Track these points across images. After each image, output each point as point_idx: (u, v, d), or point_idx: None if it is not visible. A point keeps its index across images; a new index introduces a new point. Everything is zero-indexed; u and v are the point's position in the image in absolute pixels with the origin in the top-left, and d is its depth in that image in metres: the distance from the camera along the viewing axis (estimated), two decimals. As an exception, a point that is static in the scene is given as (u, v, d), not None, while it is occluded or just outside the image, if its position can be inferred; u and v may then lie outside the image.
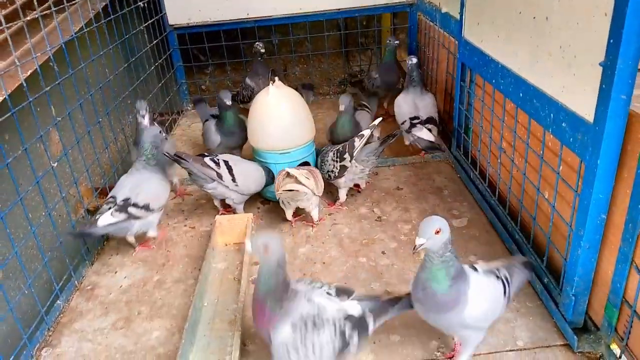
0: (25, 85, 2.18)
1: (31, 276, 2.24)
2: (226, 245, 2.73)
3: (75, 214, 2.79)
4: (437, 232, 1.64)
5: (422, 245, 1.65)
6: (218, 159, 2.80)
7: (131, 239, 2.71)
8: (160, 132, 2.80)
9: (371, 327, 1.84)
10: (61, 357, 2.12)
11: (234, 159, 2.89)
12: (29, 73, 2.25)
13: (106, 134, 3.18)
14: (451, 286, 1.69)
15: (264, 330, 1.75)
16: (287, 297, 1.73)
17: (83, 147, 2.86)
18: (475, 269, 1.80)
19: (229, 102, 3.29)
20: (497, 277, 1.81)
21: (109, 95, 3.28)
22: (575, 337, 1.93)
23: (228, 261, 2.60)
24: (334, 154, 2.88)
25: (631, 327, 1.77)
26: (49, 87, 2.37)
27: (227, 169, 2.78)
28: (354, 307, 1.81)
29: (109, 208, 2.52)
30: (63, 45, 2.53)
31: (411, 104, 3.45)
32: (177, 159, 2.70)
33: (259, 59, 4.24)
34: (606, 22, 1.58)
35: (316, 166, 3.06)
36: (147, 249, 2.77)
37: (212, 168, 2.74)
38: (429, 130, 3.34)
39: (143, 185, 2.59)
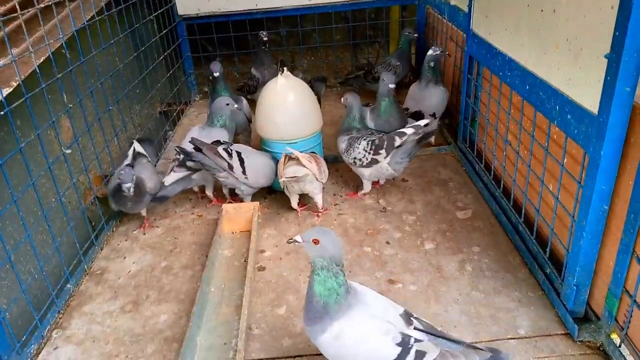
0: (38, 71, 2.22)
1: (42, 260, 2.29)
2: (233, 233, 2.77)
3: (85, 200, 2.84)
4: (315, 242, 1.60)
5: (298, 243, 1.65)
6: (231, 150, 2.81)
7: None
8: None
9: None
10: (71, 339, 2.17)
11: (247, 151, 2.91)
12: (42, 60, 2.29)
13: (115, 123, 3.22)
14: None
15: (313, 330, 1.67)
16: (348, 300, 1.63)
17: (93, 134, 2.90)
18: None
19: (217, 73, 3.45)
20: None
21: (119, 84, 3.32)
22: (576, 326, 1.96)
23: (235, 248, 2.64)
24: (368, 143, 2.77)
25: (631, 316, 1.79)
26: (61, 74, 2.41)
27: (239, 160, 2.79)
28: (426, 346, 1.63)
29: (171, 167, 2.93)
30: (75, 33, 2.57)
31: (418, 96, 3.47)
32: (188, 153, 2.74)
33: (263, 47, 4.26)
34: (613, 15, 1.59)
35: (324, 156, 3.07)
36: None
37: (224, 158, 2.75)
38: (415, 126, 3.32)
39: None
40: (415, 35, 4.15)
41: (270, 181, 2.98)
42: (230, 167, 2.77)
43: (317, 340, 1.67)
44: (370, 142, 2.76)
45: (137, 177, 2.65)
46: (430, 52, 3.38)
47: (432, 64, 3.38)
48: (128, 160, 2.86)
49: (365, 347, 1.61)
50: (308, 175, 2.68)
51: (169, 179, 2.88)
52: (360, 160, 2.81)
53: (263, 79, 4.15)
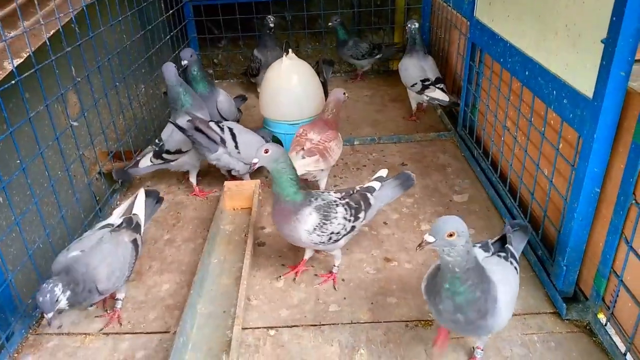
0: (48, 43, 2.26)
1: (48, 229, 2.35)
2: (234, 209, 2.83)
3: (90, 175, 2.90)
4: (451, 236, 1.48)
5: (429, 243, 1.52)
6: (223, 125, 2.86)
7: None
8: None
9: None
10: (75, 304, 2.24)
11: (238, 128, 2.94)
12: (52, 33, 2.33)
13: (122, 100, 3.27)
14: (478, 297, 1.55)
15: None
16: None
17: (99, 110, 2.95)
18: (489, 259, 1.74)
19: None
20: (506, 258, 1.76)
21: (125, 62, 3.37)
22: (564, 305, 2.02)
23: (235, 224, 2.71)
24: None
25: (617, 296, 1.86)
26: (70, 47, 2.45)
27: (231, 136, 2.84)
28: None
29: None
30: (85, 8, 2.61)
31: (418, 66, 3.62)
32: (182, 128, 2.75)
33: (268, 32, 4.29)
34: (610, 1, 1.63)
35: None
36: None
37: (217, 132, 2.79)
38: (442, 89, 3.56)
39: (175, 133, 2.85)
40: (416, 24, 4.08)
41: None
42: (223, 141, 2.79)
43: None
44: (347, 207, 2.17)
45: (74, 289, 1.85)
46: (409, 25, 3.68)
47: (417, 37, 3.66)
48: (112, 219, 2.21)
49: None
50: (322, 171, 2.73)
51: (142, 164, 2.93)
52: (338, 233, 2.16)
53: (266, 61, 4.17)
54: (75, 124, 2.61)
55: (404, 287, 2.24)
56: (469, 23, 3.17)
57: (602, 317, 1.97)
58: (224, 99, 3.36)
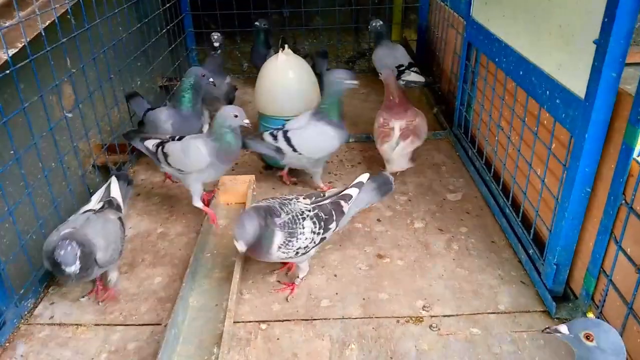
0: (43, 34, 2.26)
1: (40, 220, 2.35)
2: (228, 204, 2.84)
3: (84, 167, 2.90)
4: (588, 338, 1.28)
5: (561, 335, 1.36)
6: (276, 134, 2.79)
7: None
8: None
9: (346, 208, 2.14)
10: (67, 295, 2.24)
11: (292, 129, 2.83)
12: (47, 23, 2.33)
13: (117, 93, 3.27)
14: None
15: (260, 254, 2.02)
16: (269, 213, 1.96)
17: (94, 102, 2.94)
18: None
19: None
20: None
21: (121, 55, 3.36)
22: (554, 304, 2.04)
23: (229, 218, 2.71)
24: (315, 223, 2.06)
25: (606, 295, 1.88)
26: (66, 39, 2.45)
27: (285, 140, 2.75)
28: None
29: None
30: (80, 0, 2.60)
31: (391, 55, 4.01)
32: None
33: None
34: (602, 2, 1.65)
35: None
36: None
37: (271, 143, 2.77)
38: (416, 72, 4.00)
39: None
40: (380, 23, 4.25)
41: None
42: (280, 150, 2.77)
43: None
44: (316, 220, 2.06)
45: (82, 249, 1.89)
46: (373, 24, 4.19)
47: (383, 31, 4.19)
48: (91, 205, 2.22)
49: None
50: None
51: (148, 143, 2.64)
52: (306, 247, 2.07)
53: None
54: (69, 115, 2.60)
55: (396, 284, 2.26)
56: (465, 22, 3.18)
57: (591, 316, 1.99)
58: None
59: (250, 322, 2.07)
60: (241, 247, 1.90)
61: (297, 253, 2.06)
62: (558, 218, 2.01)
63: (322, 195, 2.18)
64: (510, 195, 2.56)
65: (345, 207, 2.15)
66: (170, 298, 2.18)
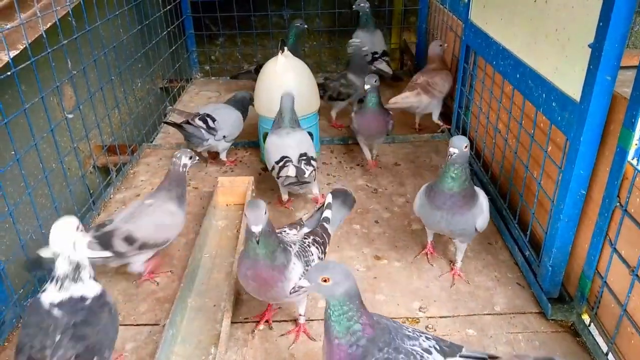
0: (45, 36, 2.28)
1: (40, 220, 2.36)
2: (227, 205, 2.86)
3: (84, 168, 2.92)
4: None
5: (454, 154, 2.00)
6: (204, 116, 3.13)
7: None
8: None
9: (331, 230, 2.10)
10: (67, 296, 2.25)
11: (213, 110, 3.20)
12: (48, 25, 2.35)
13: (117, 94, 3.29)
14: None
15: (272, 290, 1.77)
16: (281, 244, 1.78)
17: (95, 104, 2.96)
18: None
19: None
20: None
21: (122, 56, 3.38)
22: (549, 305, 2.05)
23: (228, 219, 2.73)
24: (318, 248, 1.97)
25: (601, 297, 1.89)
26: (67, 40, 2.47)
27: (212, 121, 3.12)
28: None
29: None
30: (82, 2, 2.63)
31: (370, 41, 4.17)
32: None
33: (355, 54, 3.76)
34: (598, 6, 1.67)
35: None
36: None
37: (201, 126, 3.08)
38: (387, 62, 4.28)
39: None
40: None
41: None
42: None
43: None
44: (318, 245, 1.99)
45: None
46: (360, 4, 4.30)
47: (368, 13, 4.33)
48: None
49: None
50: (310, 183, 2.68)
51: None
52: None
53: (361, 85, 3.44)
54: (70, 116, 2.62)
55: (393, 285, 2.27)
56: (463, 25, 3.20)
57: (586, 318, 2.00)
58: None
59: (248, 322, 2.09)
60: (257, 229, 1.67)
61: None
62: (553, 220, 2.03)
63: (302, 221, 2.10)
64: (507, 197, 2.57)
65: (329, 228, 2.09)
66: (169, 298, 2.20)
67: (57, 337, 1.48)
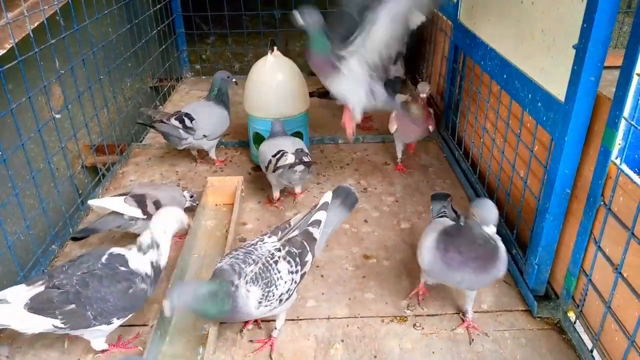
0: (32, 36, 2.27)
1: (28, 221, 2.35)
2: (216, 205, 2.86)
3: (72, 168, 2.90)
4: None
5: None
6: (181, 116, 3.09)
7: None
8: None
9: (317, 234, 1.95)
10: (55, 296, 2.24)
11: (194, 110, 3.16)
12: (35, 25, 2.33)
13: (106, 94, 3.27)
14: None
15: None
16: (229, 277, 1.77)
17: (83, 103, 2.95)
18: None
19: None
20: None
21: (111, 55, 3.37)
22: (535, 303, 2.08)
23: (217, 219, 2.73)
24: (290, 262, 1.85)
25: (586, 295, 1.91)
26: (54, 40, 2.45)
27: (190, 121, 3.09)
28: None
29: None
30: (69, 1, 2.61)
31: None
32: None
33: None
34: (582, 7, 1.69)
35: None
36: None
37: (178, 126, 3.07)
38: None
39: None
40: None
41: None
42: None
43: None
44: (290, 259, 1.86)
45: None
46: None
47: None
48: None
49: None
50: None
51: (107, 203, 2.43)
52: (289, 291, 1.86)
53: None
54: (57, 116, 2.61)
55: (382, 284, 2.28)
56: (452, 26, 3.22)
57: (571, 315, 2.03)
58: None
59: (236, 322, 2.09)
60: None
61: (281, 301, 1.84)
62: (539, 219, 2.05)
63: (287, 226, 1.98)
64: (495, 196, 2.60)
65: (316, 232, 1.94)
66: (157, 299, 2.18)
67: (76, 275, 1.79)
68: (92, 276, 1.79)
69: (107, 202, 2.41)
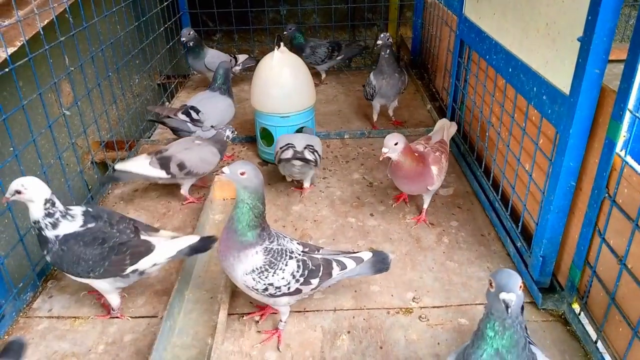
0: (42, 33, 2.30)
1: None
2: (224, 199, 2.89)
3: (82, 163, 2.94)
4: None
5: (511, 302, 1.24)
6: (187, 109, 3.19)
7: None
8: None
9: (335, 273, 1.92)
10: (65, 289, 2.29)
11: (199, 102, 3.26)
12: (45, 22, 2.37)
13: (115, 90, 3.31)
14: None
15: (229, 256, 1.82)
16: (265, 228, 1.84)
17: (92, 100, 2.99)
18: None
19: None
20: None
21: (119, 53, 3.41)
22: (540, 295, 2.09)
23: (225, 214, 2.76)
24: (299, 266, 1.88)
25: (590, 287, 1.93)
26: (64, 37, 2.49)
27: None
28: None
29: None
30: (78, -1, 2.65)
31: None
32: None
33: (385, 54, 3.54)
34: (586, 1, 1.69)
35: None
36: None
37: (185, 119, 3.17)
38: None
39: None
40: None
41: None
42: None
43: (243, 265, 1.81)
44: (301, 265, 1.88)
45: None
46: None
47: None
48: None
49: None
50: (312, 168, 2.83)
51: (133, 166, 2.68)
52: (278, 288, 1.86)
53: (379, 88, 3.56)
54: (67, 112, 2.65)
55: (387, 276, 2.30)
56: (458, 20, 3.22)
57: (576, 307, 2.04)
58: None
59: (244, 313, 2.12)
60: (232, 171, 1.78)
61: (266, 289, 1.83)
62: (544, 211, 2.06)
63: (316, 250, 1.99)
64: (500, 189, 2.61)
65: (335, 271, 1.93)
66: (166, 291, 2.23)
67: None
68: None
69: (133, 166, 2.67)
